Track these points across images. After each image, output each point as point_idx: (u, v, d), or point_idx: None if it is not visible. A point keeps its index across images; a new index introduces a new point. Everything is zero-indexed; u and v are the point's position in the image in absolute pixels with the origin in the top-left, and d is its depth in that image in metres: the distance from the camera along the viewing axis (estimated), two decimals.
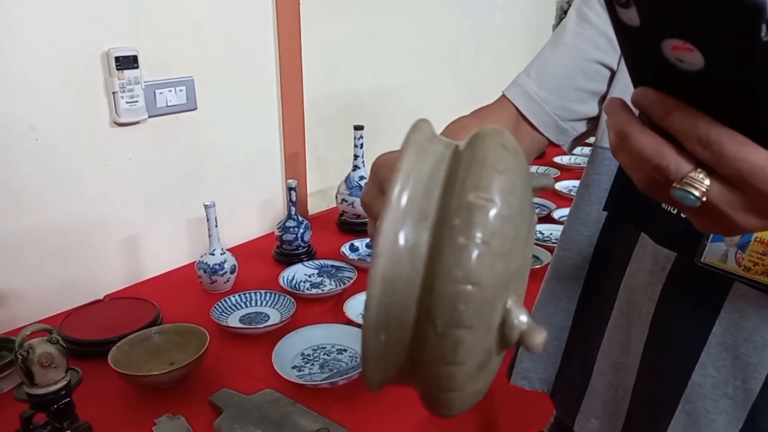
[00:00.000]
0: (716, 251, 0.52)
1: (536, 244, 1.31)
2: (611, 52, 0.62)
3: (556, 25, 2.52)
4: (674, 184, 0.32)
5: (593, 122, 0.66)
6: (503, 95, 0.66)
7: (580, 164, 1.95)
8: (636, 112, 0.34)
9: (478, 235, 0.27)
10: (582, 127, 0.66)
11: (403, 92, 1.83)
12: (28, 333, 0.72)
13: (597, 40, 0.61)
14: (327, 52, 1.54)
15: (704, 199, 0.32)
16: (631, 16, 0.29)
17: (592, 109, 0.65)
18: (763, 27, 0.25)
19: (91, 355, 0.90)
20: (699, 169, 0.31)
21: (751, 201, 0.31)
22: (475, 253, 0.27)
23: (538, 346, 0.30)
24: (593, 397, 0.68)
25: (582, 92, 0.63)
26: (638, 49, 0.32)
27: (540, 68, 0.64)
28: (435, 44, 1.92)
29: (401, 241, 0.28)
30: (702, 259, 0.53)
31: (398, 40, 1.78)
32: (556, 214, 1.51)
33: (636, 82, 0.33)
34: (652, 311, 0.59)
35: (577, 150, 1.99)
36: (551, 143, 0.66)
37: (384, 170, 0.41)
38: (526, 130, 0.63)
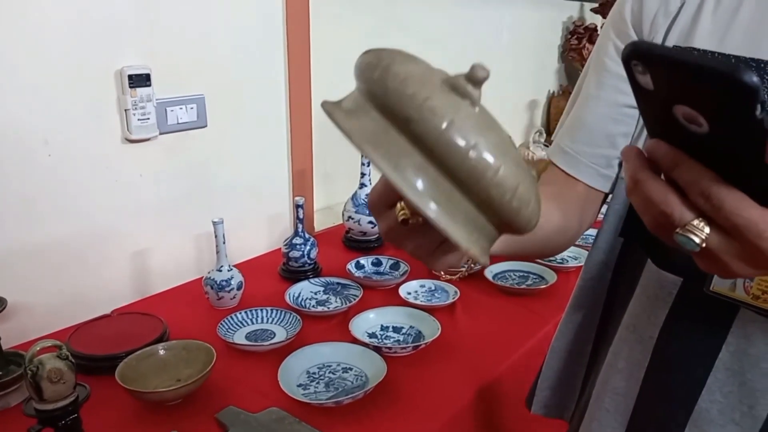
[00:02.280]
0: (725, 280, 0.53)
1: (542, 264, 1.31)
2: None
3: (561, 46, 2.55)
4: (677, 230, 0.35)
5: None
6: (549, 159, 0.69)
7: None
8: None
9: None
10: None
11: None
12: (38, 348, 0.73)
13: (618, 84, 0.63)
14: (335, 70, 1.56)
15: (704, 245, 0.35)
16: (646, 81, 0.33)
17: None
18: (758, 106, 0.29)
19: (99, 370, 0.90)
20: (700, 219, 0.35)
21: (745, 251, 0.35)
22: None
23: (479, 77, 0.33)
24: (589, 421, 0.68)
25: (614, 137, 0.65)
26: (652, 108, 0.35)
27: (571, 124, 0.67)
28: (440, 62, 1.93)
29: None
30: (711, 288, 0.54)
31: None
32: None
33: (650, 134, 0.37)
34: (656, 336, 0.60)
35: None
36: (602, 192, 0.67)
37: None
38: (573, 183, 0.65)
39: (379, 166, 0.33)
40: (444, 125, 0.32)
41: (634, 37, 0.61)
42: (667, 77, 0.32)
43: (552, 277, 1.25)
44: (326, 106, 0.37)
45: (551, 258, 1.38)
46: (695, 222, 0.35)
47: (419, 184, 0.33)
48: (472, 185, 0.33)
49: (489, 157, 0.32)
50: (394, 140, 0.33)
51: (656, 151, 0.36)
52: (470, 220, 0.35)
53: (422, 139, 0.32)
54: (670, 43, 0.58)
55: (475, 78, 0.33)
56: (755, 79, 0.28)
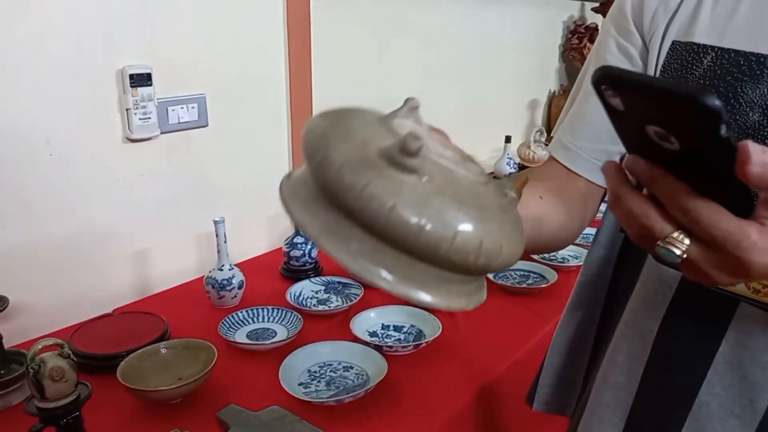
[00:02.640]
0: None
1: (543, 263, 1.31)
2: None
3: (562, 45, 2.55)
4: (658, 243, 0.37)
5: None
6: (549, 155, 0.68)
7: None
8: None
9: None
10: None
11: None
12: (39, 347, 0.73)
13: None
14: (335, 69, 1.56)
15: (685, 256, 0.36)
16: (617, 102, 0.34)
17: None
18: (722, 126, 0.30)
19: (101, 369, 0.90)
20: (680, 231, 0.36)
21: (725, 261, 0.36)
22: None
23: (414, 141, 0.31)
24: (588, 416, 0.68)
25: (614, 132, 0.64)
26: (626, 127, 0.37)
27: (571, 119, 0.67)
28: (442, 61, 1.94)
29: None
30: None
31: (406, 58, 1.80)
32: None
33: (628, 151, 0.38)
34: (656, 331, 0.60)
35: None
36: (603, 187, 0.67)
37: None
38: (575, 179, 0.65)
39: (334, 255, 0.32)
40: (386, 211, 0.30)
41: (635, 33, 0.61)
42: (635, 100, 0.33)
43: (553, 277, 1.25)
44: (282, 191, 0.36)
45: (552, 257, 1.38)
46: (675, 234, 0.36)
47: (383, 272, 0.32)
48: (432, 257, 0.32)
49: (442, 229, 0.31)
50: (345, 228, 0.32)
51: (634, 167, 0.37)
52: (443, 280, 0.34)
53: (370, 226, 0.31)
54: (670, 37, 0.58)
55: (408, 150, 0.31)
56: (717, 102, 0.29)
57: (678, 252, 0.36)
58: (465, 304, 0.36)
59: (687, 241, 0.36)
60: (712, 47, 0.54)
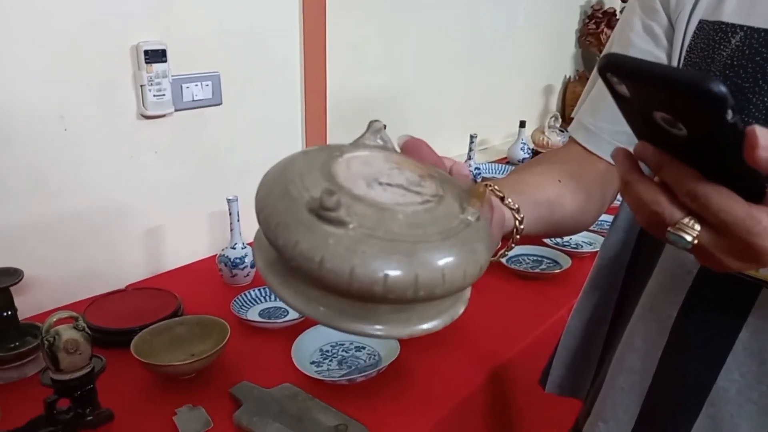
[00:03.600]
0: None
1: (557, 248, 1.30)
2: None
3: (578, 30, 2.50)
4: (668, 229, 0.37)
5: None
6: (569, 136, 0.68)
7: None
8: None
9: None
10: None
11: (421, 94, 1.83)
12: (54, 319, 0.73)
13: None
14: (350, 51, 1.55)
15: (696, 242, 0.36)
16: (623, 90, 0.34)
17: None
18: (728, 112, 0.30)
19: (114, 343, 0.91)
20: (690, 217, 0.36)
21: (735, 247, 0.36)
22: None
23: (328, 203, 0.32)
24: (602, 399, 0.68)
25: None
26: (634, 114, 0.37)
27: (592, 100, 0.66)
28: (456, 45, 1.91)
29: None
30: None
31: (421, 41, 1.78)
32: None
33: (637, 137, 0.38)
34: (674, 315, 0.59)
35: None
36: None
37: None
38: (594, 160, 0.64)
39: (296, 309, 0.35)
40: (317, 266, 0.32)
41: (660, 11, 0.60)
42: (640, 87, 0.33)
43: (566, 262, 1.24)
44: (254, 250, 0.39)
45: (565, 243, 1.37)
46: (685, 220, 0.36)
47: (343, 323, 0.34)
48: (371, 300, 0.33)
49: (372, 273, 0.31)
50: (300, 283, 0.34)
51: (642, 153, 0.37)
52: (398, 311, 0.35)
53: (311, 280, 0.33)
54: (697, 16, 0.56)
55: (325, 207, 0.32)
56: (722, 88, 0.29)
57: (689, 238, 0.36)
58: (432, 326, 0.37)
59: (697, 227, 0.36)
60: (741, 26, 0.52)
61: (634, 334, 0.64)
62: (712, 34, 0.54)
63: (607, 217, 1.46)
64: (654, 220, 0.37)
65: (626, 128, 0.64)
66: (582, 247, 1.36)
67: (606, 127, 0.63)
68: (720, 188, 0.34)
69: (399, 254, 0.32)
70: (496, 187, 0.53)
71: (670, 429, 0.60)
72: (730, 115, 0.30)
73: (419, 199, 0.36)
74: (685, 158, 0.35)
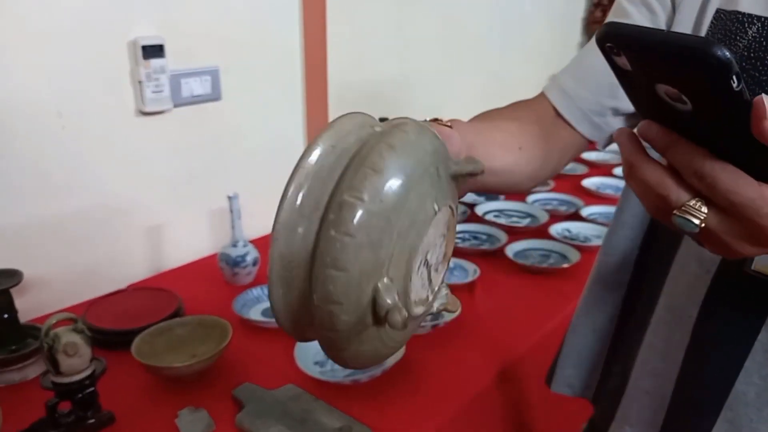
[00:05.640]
0: (767, 258, 0.50)
1: (564, 242, 1.28)
2: None
3: (584, 18, 2.46)
4: (675, 212, 0.34)
5: (631, 120, 0.64)
6: (542, 92, 0.64)
7: (608, 161, 1.90)
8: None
9: (344, 228, 0.32)
10: (618, 124, 0.64)
11: (428, 81, 1.80)
12: (53, 322, 0.72)
13: None
14: (352, 42, 1.52)
15: (703, 225, 0.34)
16: (623, 62, 0.32)
17: (627, 106, 0.62)
18: (734, 78, 0.28)
19: (115, 344, 0.89)
20: (697, 199, 0.34)
21: (746, 230, 0.34)
22: (339, 244, 0.32)
23: (396, 324, 0.33)
24: (628, 403, 0.66)
25: (617, 87, 0.61)
26: (636, 88, 0.35)
27: (577, 65, 0.63)
28: (461, 33, 1.88)
29: (296, 229, 0.35)
30: (752, 267, 0.51)
31: (425, 30, 1.75)
32: (585, 212, 1.47)
33: (642, 115, 0.36)
34: (695, 315, 0.57)
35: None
36: (589, 140, 0.64)
37: None
38: (562, 126, 0.62)
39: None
40: (327, 324, 0.34)
41: None
42: (641, 58, 0.32)
43: (575, 256, 1.21)
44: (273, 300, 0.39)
45: (574, 237, 1.35)
46: (692, 202, 0.34)
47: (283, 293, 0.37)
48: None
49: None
50: (312, 333, 0.38)
51: (648, 133, 0.35)
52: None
53: (310, 299, 0.35)
54: (714, 5, 0.53)
55: (390, 321, 0.34)
56: (726, 52, 0.28)
57: (696, 221, 0.34)
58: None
59: (705, 209, 0.34)
60: (758, 17, 0.50)
61: (655, 335, 0.63)
62: (729, 25, 0.52)
63: (608, 209, 1.45)
64: (660, 204, 0.35)
65: (603, 100, 0.61)
66: (591, 240, 1.33)
67: (584, 95, 0.60)
68: (728, 167, 0.32)
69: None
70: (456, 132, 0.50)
71: None
72: (735, 82, 0.28)
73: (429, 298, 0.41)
74: (691, 136, 0.33)
